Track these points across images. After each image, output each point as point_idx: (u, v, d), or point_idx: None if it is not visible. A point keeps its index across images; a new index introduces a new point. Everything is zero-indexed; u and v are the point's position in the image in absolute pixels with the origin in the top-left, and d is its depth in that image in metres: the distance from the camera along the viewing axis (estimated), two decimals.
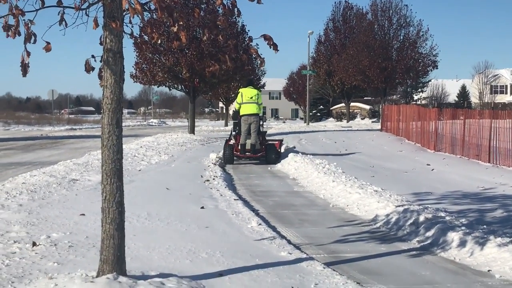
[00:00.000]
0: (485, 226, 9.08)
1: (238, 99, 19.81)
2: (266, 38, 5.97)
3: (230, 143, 20.31)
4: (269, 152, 19.79)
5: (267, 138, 21.55)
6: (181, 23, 5.70)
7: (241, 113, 19.62)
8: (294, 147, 23.69)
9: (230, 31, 31.66)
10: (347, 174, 15.37)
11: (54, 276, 6.37)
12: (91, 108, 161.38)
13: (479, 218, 10.15)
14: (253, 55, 6.11)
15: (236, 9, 5.92)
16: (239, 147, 19.87)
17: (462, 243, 8.24)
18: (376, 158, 21.51)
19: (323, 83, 68.73)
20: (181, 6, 5.97)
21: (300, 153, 20.59)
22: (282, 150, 21.44)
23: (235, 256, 7.48)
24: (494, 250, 7.79)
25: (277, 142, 21.54)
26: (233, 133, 20.57)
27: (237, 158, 20.18)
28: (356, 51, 52.21)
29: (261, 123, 20.06)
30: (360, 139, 31.74)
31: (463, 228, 8.76)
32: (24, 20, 5.68)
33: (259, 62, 6.21)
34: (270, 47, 5.97)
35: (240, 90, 20.34)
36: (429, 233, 8.95)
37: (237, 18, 32.44)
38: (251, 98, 19.48)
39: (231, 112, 74.93)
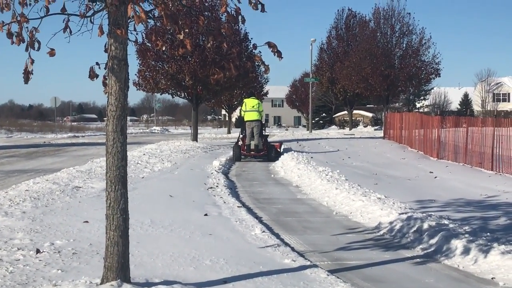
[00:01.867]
0: (488, 234, 9.07)
1: (243, 107, 23.92)
2: (271, 45, 5.99)
3: (238, 144, 24.14)
4: (270, 151, 23.71)
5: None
6: (187, 30, 5.73)
7: (245, 119, 23.61)
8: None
9: (233, 38, 31.69)
10: (350, 182, 15.37)
11: (58, 283, 6.38)
12: (94, 116, 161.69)
13: (482, 226, 10.14)
14: (258, 63, 6.13)
15: (240, 16, 5.94)
16: (245, 147, 23.61)
17: (466, 251, 8.24)
18: (379, 166, 21.51)
19: (325, 91, 68.76)
20: (185, 13, 5.99)
21: (295, 152, 24.49)
22: (281, 150, 25.03)
23: (239, 263, 7.48)
24: (498, 258, 7.78)
25: (277, 144, 25.79)
26: (241, 135, 24.29)
27: (244, 157, 23.86)
28: (359, 58, 52.14)
29: (263, 128, 24.05)
30: (363, 146, 31.74)
31: (466, 235, 8.75)
32: (27, 27, 5.70)
33: (263, 69, 6.23)
34: (275, 55, 5.98)
35: (244, 100, 24.54)
36: (433, 241, 8.95)
37: (240, 25, 32.55)
38: (253, 107, 23.45)
39: (233, 119, 75.36)
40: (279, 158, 22.69)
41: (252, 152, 23.61)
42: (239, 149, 23.77)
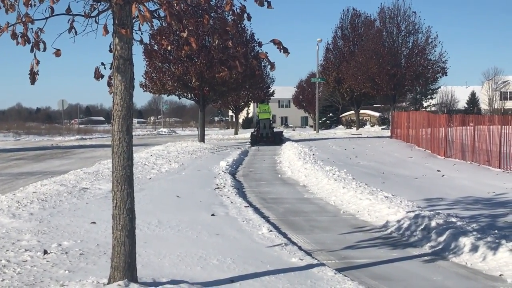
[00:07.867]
0: (496, 231, 9.05)
1: (258, 109, 37.62)
2: (276, 42, 5.98)
3: (254, 134, 36.94)
4: (275, 138, 36.23)
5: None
6: (191, 27, 5.72)
7: (259, 118, 36.66)
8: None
9: (239, 38, 31.69)
10: (357, 181, 15.35)
11: (65, 284, 6.39)
12: (101, 118, 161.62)
13: (490, 223, 10.10)
14: (263, 59, 6.11)
15: (245, 14, 5.93)
16: (259, 136, 36.04)
17: (474, 248, 8.21)
18: (387, 165, 21.46)
19: (332, 91, 68.53)
20: (190, 13, 5.97)
21: (293, 141, 34.80)
22: (283, 137, 38.09)
23: (246, 262, 7.47)
24: (506, 255, 7.75)
25: (280, 132, 40.06)
26: (256, 128, 37.07)
27: (258, 142, 35.56)
28: (365, 58, 52.01)
29: (271, 123, 37.29)
30: (370, 146, 31.68)
31: (474, 233, 8.73)
32: (32, 28, 5.70)
33: (269, 67, 6.21)
34: (281, 51, 5.97)
35: (259, 104, 38.48)
36: (441, 239, 8.92)
37: (246, 23, 32.72)
38: (265, 110, 36.38)
39: (240, 120, 75.03)
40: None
41: (264, 139, 35.71)
42: (255, 137, 36.24)
